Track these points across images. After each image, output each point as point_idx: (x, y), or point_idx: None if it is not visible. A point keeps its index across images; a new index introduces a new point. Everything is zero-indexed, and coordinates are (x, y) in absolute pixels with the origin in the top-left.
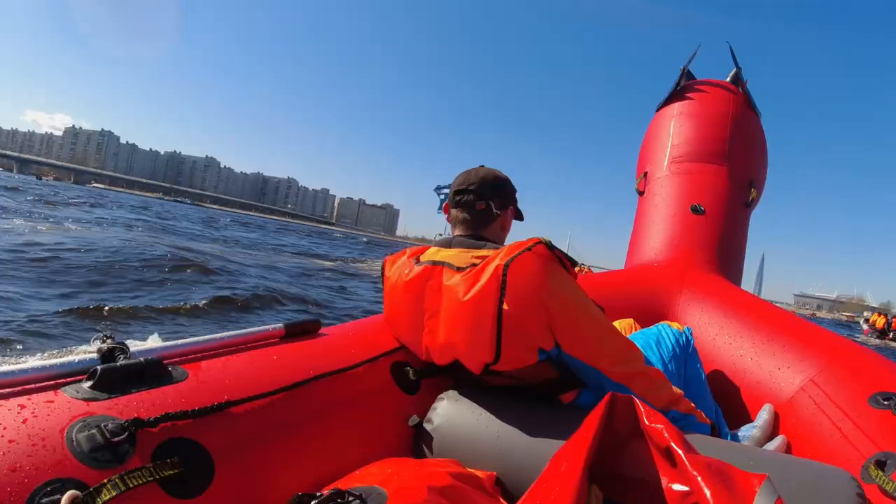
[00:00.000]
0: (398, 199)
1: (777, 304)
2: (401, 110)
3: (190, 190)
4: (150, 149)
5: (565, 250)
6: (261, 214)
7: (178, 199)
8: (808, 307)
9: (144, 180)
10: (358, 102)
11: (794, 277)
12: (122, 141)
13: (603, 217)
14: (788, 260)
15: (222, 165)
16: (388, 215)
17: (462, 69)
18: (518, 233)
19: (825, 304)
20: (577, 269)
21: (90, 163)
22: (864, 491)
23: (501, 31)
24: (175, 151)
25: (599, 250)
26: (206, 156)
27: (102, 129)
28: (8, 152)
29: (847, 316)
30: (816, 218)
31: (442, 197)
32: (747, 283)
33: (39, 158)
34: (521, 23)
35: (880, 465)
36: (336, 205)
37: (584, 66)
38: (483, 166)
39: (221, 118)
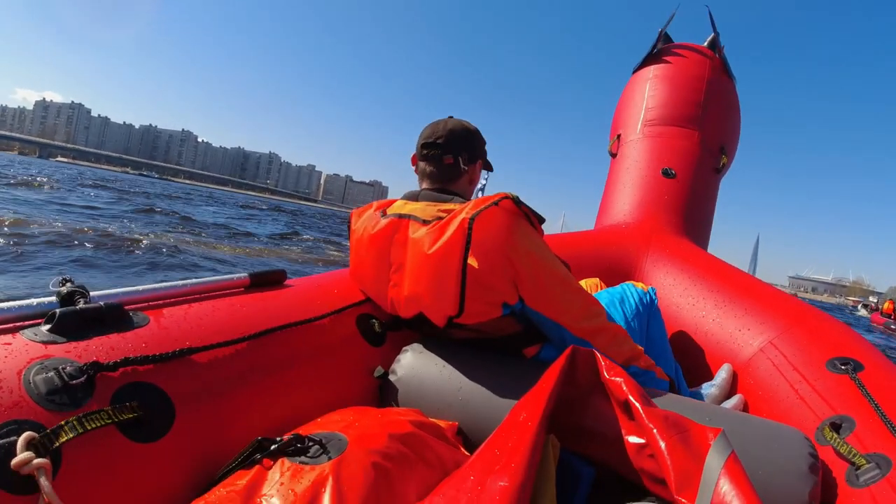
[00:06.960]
0: (387, 177)
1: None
2: (392, 86)
3: (164, 164)
4: (124, 122)
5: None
6: (237, 190)
7: (144, 173)
8: (803, 289)
9: (115, 154)
10: (347, 78)
11: (788, 259)
12: (94, 114)
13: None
14: (783, 241)
15: (200, 140)
16: (377, 192)
17: (456, 45)
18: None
19: (821, 286)
20: None
21: (60, 137)
22: (818, 452)
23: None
24: (150, 125)
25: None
26: (183, 129)
27: (73, 102)
28: None
29: (853, 301)
30: (813, 200)
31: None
32: (741, 265)
33: (3, 132)
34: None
35: (835, 427)
36: (322, 181)
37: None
38: (452, 117)
39: (203, 93)
